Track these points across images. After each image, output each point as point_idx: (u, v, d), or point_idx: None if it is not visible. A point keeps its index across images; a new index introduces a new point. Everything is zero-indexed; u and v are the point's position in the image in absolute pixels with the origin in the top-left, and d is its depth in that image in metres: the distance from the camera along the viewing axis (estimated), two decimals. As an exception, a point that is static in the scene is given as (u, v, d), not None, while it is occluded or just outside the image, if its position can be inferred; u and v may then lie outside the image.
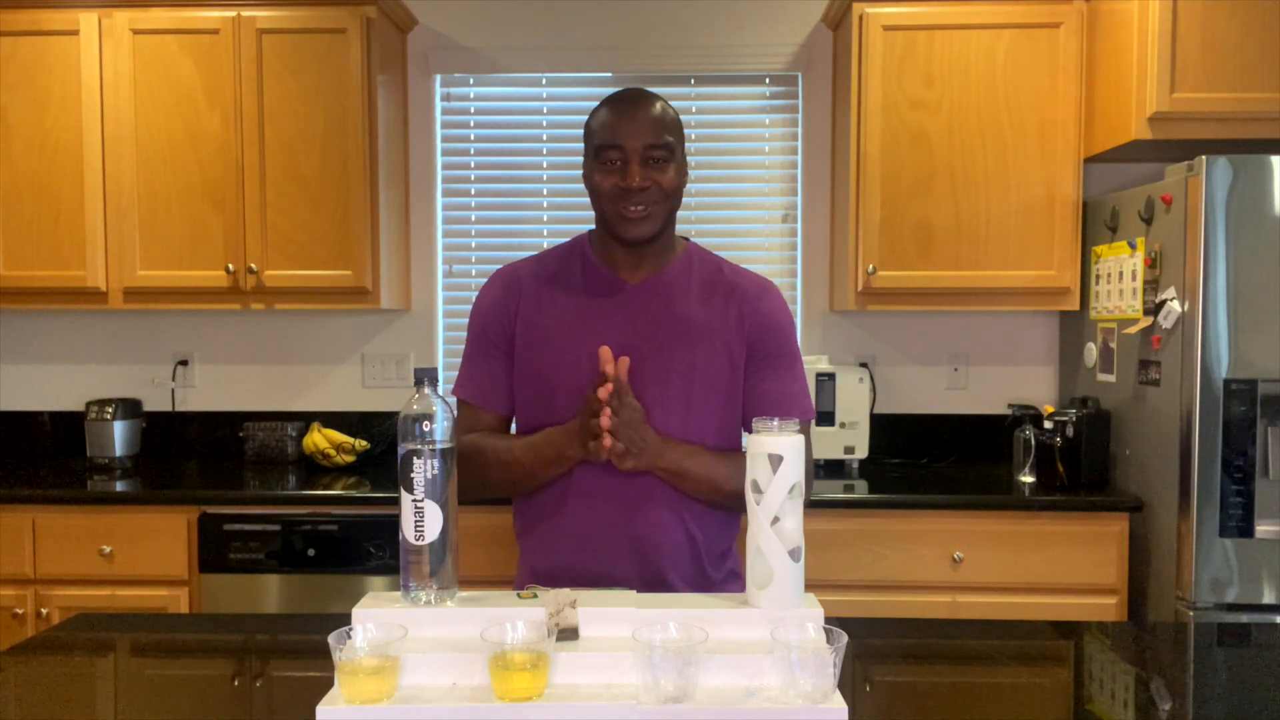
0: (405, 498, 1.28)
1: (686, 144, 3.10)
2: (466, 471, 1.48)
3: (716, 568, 1.63)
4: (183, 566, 2.63)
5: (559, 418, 1.56)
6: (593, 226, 1.67)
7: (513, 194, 3.23)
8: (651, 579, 1.55)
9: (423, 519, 1.28)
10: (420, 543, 1.28)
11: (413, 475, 1.27)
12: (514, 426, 1.68)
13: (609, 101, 1.57)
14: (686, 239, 1.68)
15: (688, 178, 1.63)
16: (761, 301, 1.62)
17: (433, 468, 1.28)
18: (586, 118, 1.60)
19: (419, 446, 1.28)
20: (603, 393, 1.43)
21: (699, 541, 1.59)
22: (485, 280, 1.69)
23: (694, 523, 1.58)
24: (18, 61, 2.85)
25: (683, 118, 3.26)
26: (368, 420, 3.20)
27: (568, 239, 1.71)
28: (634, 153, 1.51)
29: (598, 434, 1.44)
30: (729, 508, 1.60)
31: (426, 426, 1.29)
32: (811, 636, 1.21)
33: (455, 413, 1.36)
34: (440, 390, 1.33)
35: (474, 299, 1.69)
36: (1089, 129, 2.79)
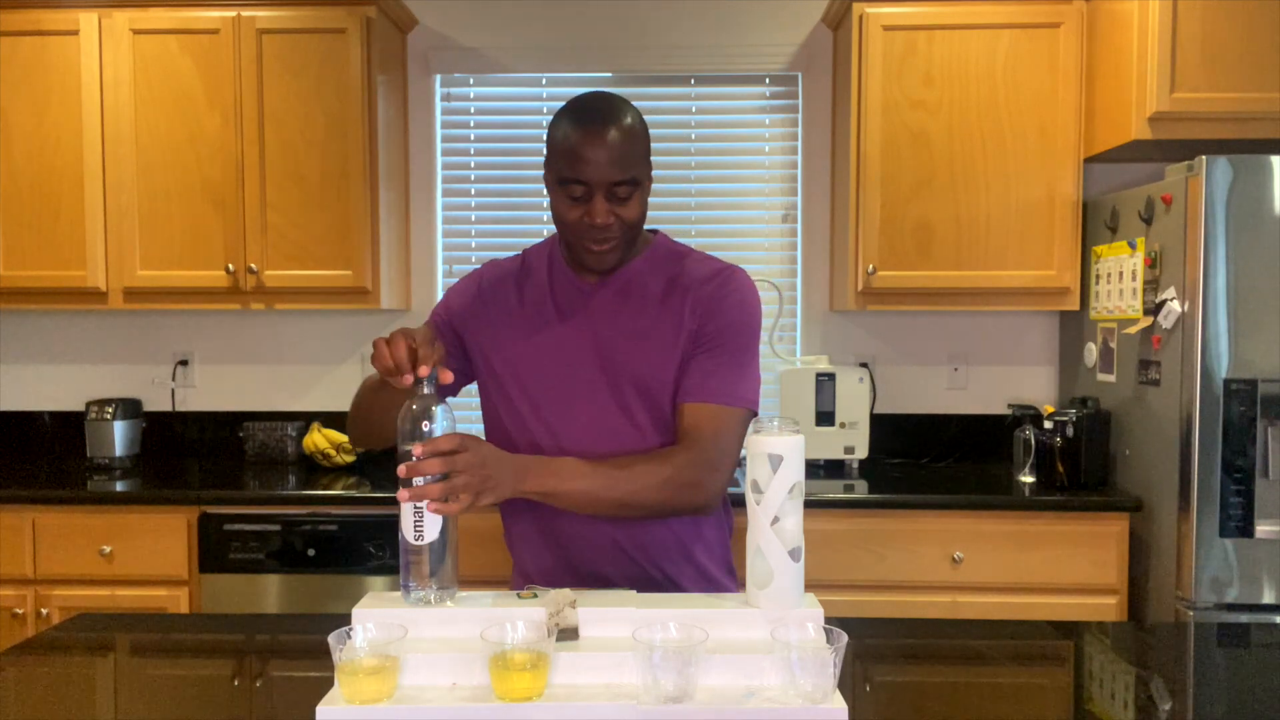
0: (402, 499, 1.28)
1: (686, 144, 3.16)
2: (353, 413, 1.63)
3: (712, 562, 1.62)
4: (183, 566, 2.63)
5: (517, 418, 1.55)
6: None
7: (513, 194, 3.23)
8: (641, 578, 1.54)
9: (422, 519, 1.28)
10: (420, 543, 1.28)
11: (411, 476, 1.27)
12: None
13: (574, 119, 1.47)
14: (655, 231, 1.64)
15: (650, 188, 1.55)
16: (707, 286, 1.55)
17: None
18: (550, 122, 1.52)
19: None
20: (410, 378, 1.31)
21: (685, 538, 1.58)
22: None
23: (677, 520, 1.56)
24: (18, 61, 2.85)
25: (683, 118, 3.27)
26: (368, 420, 3.20)
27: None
28: (598, 187, 1.44)
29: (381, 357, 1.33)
30: (633, 517, 1.50)
31: (426, 427, 1.29)
32: (811, 636, 1.21)
33: (453, 414, 1.34)
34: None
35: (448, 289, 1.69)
36: (1089, 129, 2.79)
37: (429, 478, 1.26)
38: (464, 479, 1.28)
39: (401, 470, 1.26)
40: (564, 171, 1.46)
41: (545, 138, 1.54)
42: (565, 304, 1.58)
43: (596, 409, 1.52)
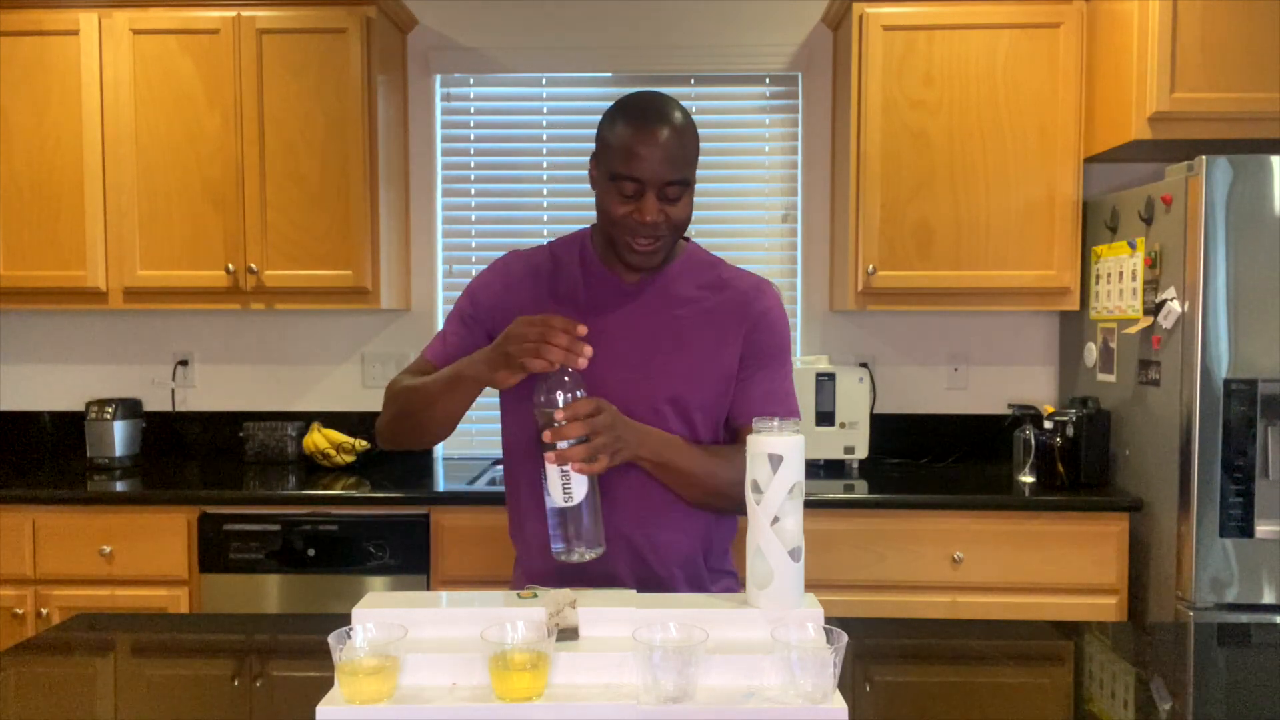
0: (550, 462, 1.33)
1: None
2: (389, 404, 1.59)
3: (712, 567, 1.63)
4: (183, 566, 2.63)
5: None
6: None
7: (513, 194, 3.23)
8: (646, 577, 1.54)
9: (570, 481, 1.33)
10: (570, 504, 1.34)
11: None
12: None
13: (630, 116, 1.47)
14: (687, 239, 1.67)
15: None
16: (757, 301, 1.60)
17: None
18: (601, 118, 1.52)
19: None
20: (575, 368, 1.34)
21: (694, 540, 1.58)
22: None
23: (688, 521, 1.57)
24: (18, 61, 2.85)
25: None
26: (368, 420, 3.20)
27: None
28: (651, 185, 1.45)
29: (513, 366, 1.36)
30: (716, 507, 1.57)
31: (564, 395, 1.33)
32: (811, 636, 1.21)
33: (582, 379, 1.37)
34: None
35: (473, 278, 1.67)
36: (1089, 129, 2.79)
37: (571, 441, 1.34)
38: (602, 440, 1.36)
39: (546, 435, 1.33)
40: (618, 168, 1.46)
41: (596, 135, 1.54)
42: (600, 301, 1.57)
43: (627, 410, 1.51)
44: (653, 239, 1.49)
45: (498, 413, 1.68)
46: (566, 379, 1.35)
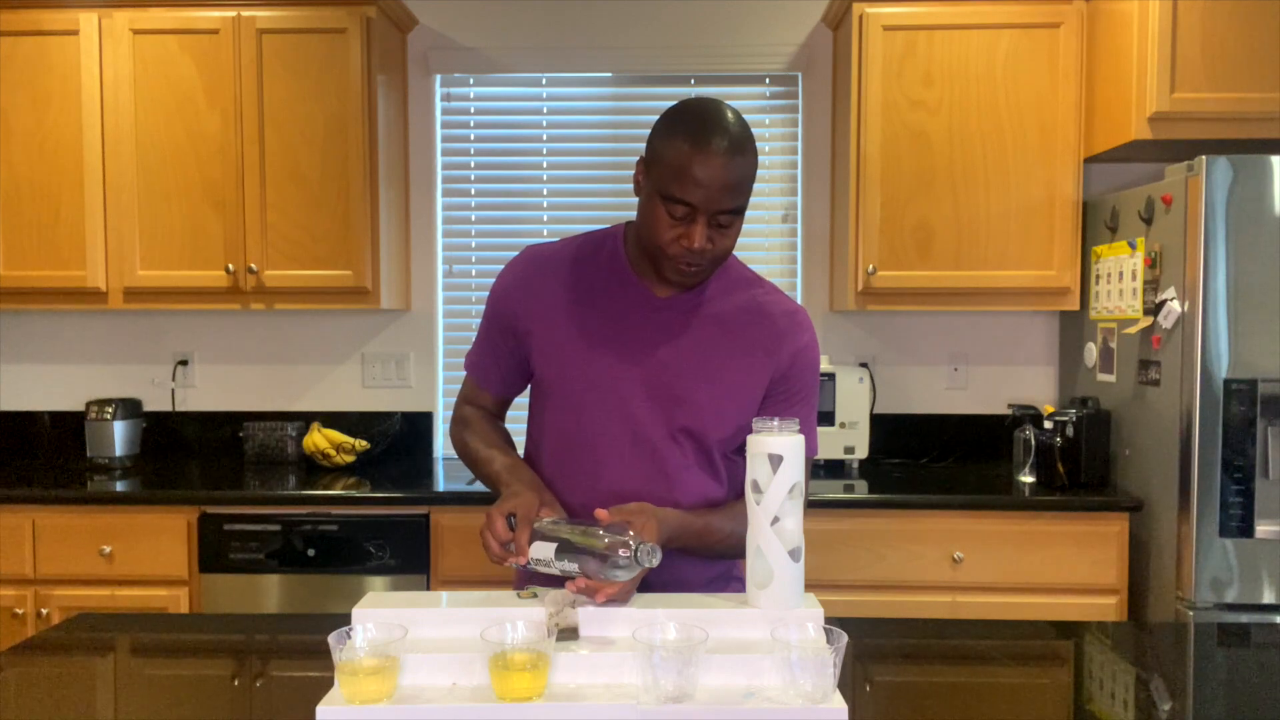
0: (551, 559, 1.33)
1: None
2: (456, 442, 1.64)
3: (713, 578, 1.61)
4: (183, 566, 2.63)
5: (559, 415, 1.54)
6: (632, 217, 1.53)
7: (513, 194, 3.23)
8: (644, 582, 1.53)
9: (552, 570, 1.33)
10: (543, 569, 1.34)
11: (556, 567, 1.32)
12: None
13: (689, 132, 1.36)
14: None
15: None
16: (793, 336, 1.54)
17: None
18: (657, 124, 1.43)
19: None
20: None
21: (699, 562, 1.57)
22: (491, 273, 1.66)
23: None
24: (18, 61, 2.85)
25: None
26: (368, 420, 3.20)
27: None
28: (704, 212, 1.37)
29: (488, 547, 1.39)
30: (724, 559, 1.58)
31: (613, 571, 1.27)
32: (811, 636, 1.21)
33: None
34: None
35: (495, 278, 1.61)
36: (1089, 129, 2.79)
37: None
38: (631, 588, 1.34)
39: (582, 583, 1.28)
40: (671, 189, 1.37)
41: (649, 140, 1.44)
42: (627, 311, 1.51)
43: (644, 436, 1.49)
44: (697, 266, 1.43)
45: None
46: (623, 571, 1.27)
